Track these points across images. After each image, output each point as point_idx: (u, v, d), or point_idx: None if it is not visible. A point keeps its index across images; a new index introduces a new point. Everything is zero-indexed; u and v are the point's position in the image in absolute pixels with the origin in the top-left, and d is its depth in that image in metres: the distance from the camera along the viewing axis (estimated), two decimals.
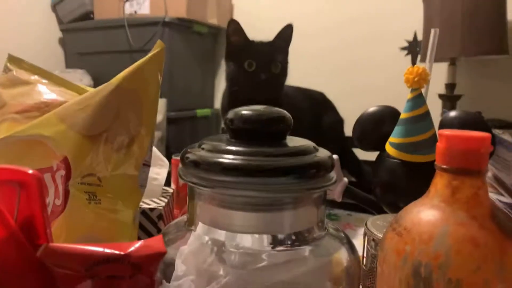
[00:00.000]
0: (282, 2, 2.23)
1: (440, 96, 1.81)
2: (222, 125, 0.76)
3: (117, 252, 0.27)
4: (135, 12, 2.04)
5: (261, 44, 0.72)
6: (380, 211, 0.53)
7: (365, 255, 0.46)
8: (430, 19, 1.71)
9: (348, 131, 0.93)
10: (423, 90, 0.46)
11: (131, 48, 2.00)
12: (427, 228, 0.28)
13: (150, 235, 0.50)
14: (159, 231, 0.51)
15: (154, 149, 0.60)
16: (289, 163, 0.34)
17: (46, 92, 0.43)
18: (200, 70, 2.25)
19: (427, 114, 0.45)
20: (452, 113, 0.52)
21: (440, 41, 1.80)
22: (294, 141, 0.39)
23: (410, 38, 2.00)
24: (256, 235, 0.34)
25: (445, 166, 0.28)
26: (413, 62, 2.01)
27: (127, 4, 2.03)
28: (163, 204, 0.53)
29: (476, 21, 1.57)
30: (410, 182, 0.45)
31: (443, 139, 0.28)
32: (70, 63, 2.25)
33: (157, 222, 0.51)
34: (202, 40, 2.22)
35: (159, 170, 0.57)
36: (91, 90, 0.44)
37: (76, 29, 2.18)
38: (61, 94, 0.44)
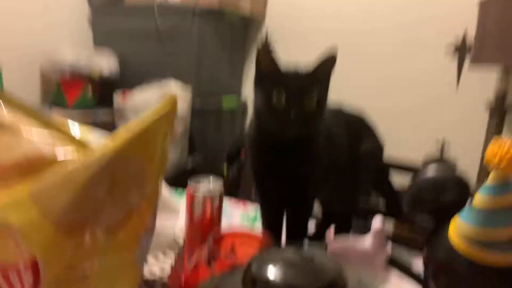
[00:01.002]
0: None
1: (488, 105, 1.65)
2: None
3: None
4: None
5: (295, 74, 0.60)
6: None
7: None
8: (484, 24, 1.54)
9: (388, 149, 0.83)
10: None
11: (160, 35, 1.92)
12: None
13: None
14: None
15: (165, 189, 0.52)
16: None
17: (30, 142, 0.35)
18: (229, 58, 2.16)
19: None
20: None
21: (496, 45, 1.63)
22: None
23: (457, 39, 1.83)
24: None
25: None
26: (460, 64, 1.84)
27: None
28: (169, 263, 0.45)
29: None
30: (475, 281, 0.35)
31: None
32: (98, 42, 2.21)
33: None
34: (232, 29, 2.12)
35: (169, 219, 0.49)
36: (84, 145, 0.35)
37: (106, 11, 2.12)
38: (48, 144, 0.35)
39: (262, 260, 0.28)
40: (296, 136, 0.60)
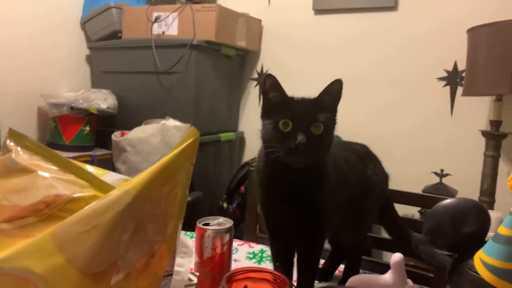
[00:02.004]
0: (313, 24, 2.14)
1: (484, 133, 1.67)
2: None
3: None
4: (163, 33, 1.99)
5: (301, 101, 0.62)
6: None
7: None
8: (475, 51, 1.58)
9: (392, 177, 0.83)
10: None
11: (158, 70, 1.95)
12: None
13: None
14: None
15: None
16: None
17: (48, 184, 0.34)
18: (226, 93, 2.19)
19: None
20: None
21: (487, 75, 1.67)
22: None
23: (449, 67, 1.87)
24: None
25: None
26: (453, 94, 1.88)
27: (155, 25, 1.99)
28: None
29: None
30: None
31: None
32: (96, 82, 2.22)
33: None
34: (229, 63, 2.16)
35: (182, 261, 0.48)
36: (104, 186, 0.34)
37: (103, 47, 2.15)
38: (67, 186, 0.35)
39: None
40: (304, 163, 0.60)
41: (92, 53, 2.25)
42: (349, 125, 1.68)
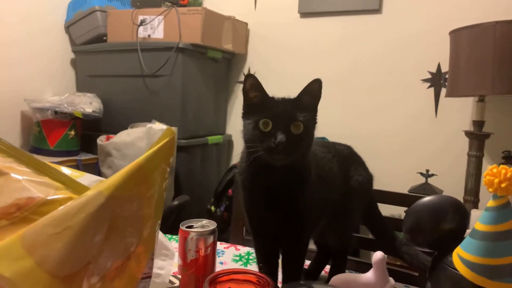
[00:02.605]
0: (299, 27, 2.16)
1: (467, 133, 1.70)
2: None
3: None
4: (149, 36, 1.98)
5: (281, 101, 0.62)
6: None
7: None
8: (457, 53, 1.61)
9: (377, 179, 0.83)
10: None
11: (144, 73, 1.94)
12: None
13: None
14: None
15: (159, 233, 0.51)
16: None
17: (21, 187, 0.33)
18: (213, 96, 2.18)
19: None
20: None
21: (469, 76, 1.70)
22: None
23: (433, 69, 1.90)
24: None
25: None
26: (437, 95, 1.91)
27: (141, 28, 1.98)
28: None
29: (509, 58, 1.46)
30: None
31: None
32: (80, 86, 2.20)
33: None
34: (216, 66, 2.16)
35: (163, 263, 0.47)
36: (80, 188, 0.33)
37: (88, 51, 2.13)
38: (41, 188, 0.34)
39: None
40: (285, 162, 0.60)
41: (77, 56, 2.23)
42: (334, 126, 1.70)
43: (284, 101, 0.62)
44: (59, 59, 2.20)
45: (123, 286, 0.31)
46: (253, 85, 0.61)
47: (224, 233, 1.55)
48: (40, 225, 0.29)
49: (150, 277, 0.34)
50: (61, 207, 0.29)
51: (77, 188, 0.34)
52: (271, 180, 0.63)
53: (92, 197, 0.29)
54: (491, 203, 0.35)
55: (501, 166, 0.34)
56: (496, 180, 0.33)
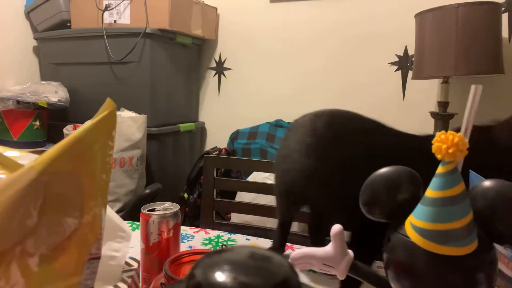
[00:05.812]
0: (269, 12, 2.14)
1: (432, 114, 1.74)
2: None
3: None
4: (115, 21, 1.92)
5: None
6: None
7: None
8: (422, 35, 1.64)
9: None
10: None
11: (110, 60, 1.88)
12: None
13: None
14: None
15: (113, 215, 0.49)
16: None
17: None
18: (184, 82, 2.14)
19: (463, 195, 0.35)
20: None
21: (433, 58, 1.72)
22: None
23: (400, 52, 1.93)
24: None
25: None
26: (404, 78, 1.94)
27: (106, 13, 1.91)
28: None
29: (471, 40, 1.50)
30: (438, 277, 0.35)
31: None
32: (45, 74, 2.11)
33: None
34: (186, 52, 2.11)
35: (118, 245, 0.46)
36: (16, 165, 0.31)
37: (51, 38, 2.04)
38: None
39: (207, 262, 0.25)
40: None
41: (39, 44, 2.13)
42: (303, 111, 1.70)
43: None
44: (20, 46, 2.10)
45: (66, 268, 0.30)
46: None
47: (197, 220, 1.54)
48: None
49: (98, 258, 0.33)
50: None
51: (14, 167, 0.33)
52: None
53: (23, 172, 0.28)
54: (440, 169, 0.35)
55: (449, 132, 0.34)
56: (444, 146, 0.34)
